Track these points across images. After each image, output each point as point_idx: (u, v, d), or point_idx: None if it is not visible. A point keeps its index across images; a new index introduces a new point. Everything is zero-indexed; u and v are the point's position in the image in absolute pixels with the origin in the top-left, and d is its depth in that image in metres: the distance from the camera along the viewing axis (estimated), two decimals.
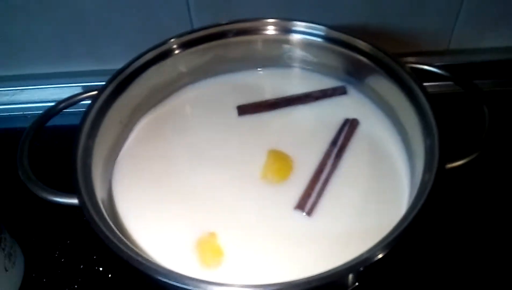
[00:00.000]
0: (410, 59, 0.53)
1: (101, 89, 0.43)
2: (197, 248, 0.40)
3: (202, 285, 0.30)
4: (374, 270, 0.39)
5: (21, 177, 0.38)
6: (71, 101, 0.44)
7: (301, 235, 0.40)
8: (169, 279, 0.31)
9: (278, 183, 0.44)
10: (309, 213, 0.41)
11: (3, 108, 0.65)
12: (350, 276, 0.35)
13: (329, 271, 0.31)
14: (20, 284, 0.46)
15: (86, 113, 0.41)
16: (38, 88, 0.64)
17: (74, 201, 0.35)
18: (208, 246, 0.39)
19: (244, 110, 0.50)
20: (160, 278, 0.31)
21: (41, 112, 0.62)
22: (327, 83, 0.52)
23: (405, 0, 0.56)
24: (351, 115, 0.48)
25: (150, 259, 0.33)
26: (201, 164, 0.46)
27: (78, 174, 0.36)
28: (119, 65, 0.63)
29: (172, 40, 0.49)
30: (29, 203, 0.52)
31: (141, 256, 0.33)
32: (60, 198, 0.36)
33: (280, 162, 0.45)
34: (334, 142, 0.46)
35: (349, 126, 0.47)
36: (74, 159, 0.37)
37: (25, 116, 0.65)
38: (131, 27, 0.60)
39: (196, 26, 0.59)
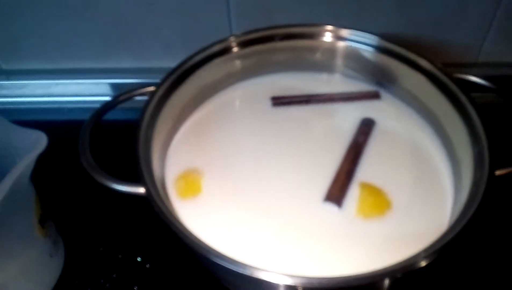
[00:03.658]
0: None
1: (158, 85, 0.45)
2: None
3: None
4: (414, 278, 0.41)
5: (86, 168, 0.39)
6: (129, 94, 0.45)
7: (346, 235, 0.41)
8: (238, 268, 0.32)
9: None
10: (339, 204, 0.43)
11: (40, 101, 0.67)
12: (386, 282, 0.35)
13: (372, 272, 0.32)
14: (61, 271, 0.47)
15: (145, 106, 0.43)
16: (74, 82, 0.66)
17: (140, 190, 0.36)
18: None
19: (278, 101, 0.52)
20: (229, 266, 0.32)
21: (79, 106, 0.64)
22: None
23: (438, 11, 0.58)
24: (394, 123, 0.50)
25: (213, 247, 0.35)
26: (241, 159, 0.47)
27: (142, 164, 0.38)
28: (155, 64, 0.65)
29: (231, 38, 0.51)
30: (66, 192, 0.54)
31: (205, 243, 0.34)
32: (126, 187, 0.37)
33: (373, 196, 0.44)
34: (356, 144, 0.48)
35: (367, 127, 0.49)
36: (136, 150, 0.39)
37: (61, 109, 0.66)
38: (170, 29, 0.62)
39: (235, 31, 0.61)
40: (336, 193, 0.43)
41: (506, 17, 0.58)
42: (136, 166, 0.38)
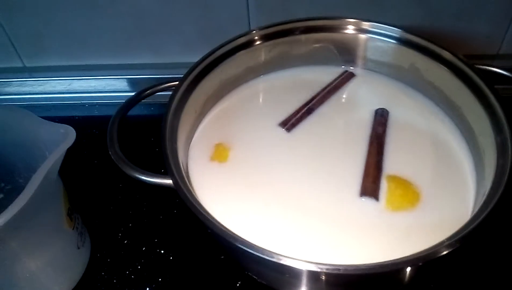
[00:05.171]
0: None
1: (181, 80, 0.45)
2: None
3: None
4: (437, 267, 0.41)
5: (115, 161, 0.40)
6: (153, 89, 0.46)
7: (375, 227, 0.41)
8: (263, 254, 0.33)
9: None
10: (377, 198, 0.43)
11: (61, 97, 0.68)
12: (408, 270, 0.36)
13: (393, 260, 0.33)
14: (88, 263, 0.48)
15: (170, 101, 0.43)
16: (94, 78, 0.67)
17: (168, 181, 0.37)
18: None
19: (289, 125, 0.50)
20: (255, 253, 0.33)
21: (99, 101, 0.65)
22: (393, 84, 0.54)
23: (457, 2, 0.58)
24: (416, 116, 0.50)
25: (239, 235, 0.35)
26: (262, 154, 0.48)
27: (169, 157, 0.38)
28: (174, 60, 0.66)
29: (254, 31, 0.51)
30: (91, 185, 0.55)
31: (232, 232, 0.35)
32: (155, 178, 0.38)
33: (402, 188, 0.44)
34: (377, 135, 0.48)
35: (383, 118, 0.49)
36: (164, 143, 0.40)
37: (83, 104, 0.67)
38: (189, 24, 0.62)
39: (253, 25, 0.61)
40: (370, 187, 0.43)
41: None
42: (163, 159, 0.39)
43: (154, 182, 0.38)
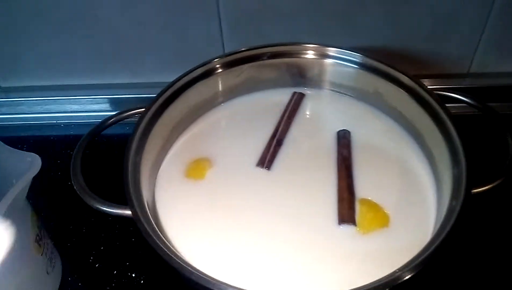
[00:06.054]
0: (433, 84, 0.56)
1: (147, 107, 0.46)
2: None
3: None
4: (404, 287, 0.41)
5: (77, 191, 0.41)
6: (118, 117, 0.46)
7: (345, 250, 0.42)
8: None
9: None
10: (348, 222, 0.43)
11: (37, 117, 0.68)
12: None
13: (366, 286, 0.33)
14: (58, 287, 0.48)
15: (134, 130, 0.44)
16: (69, 98, 0.67)
17: (127, 212, 0.38)
18: None
19: (265, 163, 0.50)
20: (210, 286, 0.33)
21: (76, 121, 0.65)
22: (357, 105, 0.54)
23: (427, 24, 0.59)
24: (380, 137, 0.51)
25: (197, 268, 0.36)
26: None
27: (130, 188, 0.39)
28: (152, 80, 0.66)
29: (216, 59, 0.51)
30: (63, 209, 0.55)
31: (191, 265, 0.35)
32: (113, 209, 0.38)
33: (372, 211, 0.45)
34: (343, 157, 0.48)
35: (346, 139, 0.50)
36: (125, 174, 0.40)
37: (58, 124, 0.67)
38: (164, 46, 0.63)
39: (227, 48, 0.62)
40: (347, 213, 0.44)
41: (496, 28, 0.59)
42: (124, 190, 0.39)
43: (114, 213, 0.38)
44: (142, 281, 0.48)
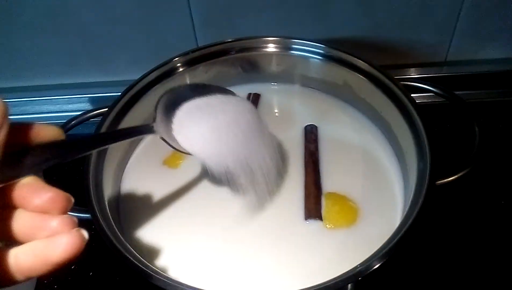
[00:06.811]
0: (410, 73, 0.56)
1: (110, 107, 0.45)
2: None
3: None
4: (371, 279, 0.41)
5: None
6: (81, 118, 0.46)
7: (312, 245, 0.41)
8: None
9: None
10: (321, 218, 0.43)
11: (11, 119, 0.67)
12: (349, 286, 0.37)
13: (327, 282, 0.33)
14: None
15: (96, 131, 0.43)
16: (45, 99, 0.67)
17: (87, 215, 0.37)
18: None
19: None
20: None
21: (54, 121, 0.65)
22: (326, 99, 0.53)
23: (402, 13, 0.58)
24: (348, 131, 0.50)
25: (157, 271, 0.35)
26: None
27: (91, 192, 0.39)
28: (124, 77, 0.65)
29: (176, 58, 0.51)
30: None
31: (151, 268, 0.35)
32: (72, 212, 0.38)
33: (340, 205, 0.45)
34: (310, 153, 0.48)
35: (313, 134, 0.49)
36: (86, 177, 0.40)
37: None
38: (136, 42, 0.62)
39: (200, 43, 0.61)
40: (314, 208, 0.43)
41: (471, 15, 0.58)
42: (84, 193, 0.39)
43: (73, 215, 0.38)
44: (117, 278, 0.48)
